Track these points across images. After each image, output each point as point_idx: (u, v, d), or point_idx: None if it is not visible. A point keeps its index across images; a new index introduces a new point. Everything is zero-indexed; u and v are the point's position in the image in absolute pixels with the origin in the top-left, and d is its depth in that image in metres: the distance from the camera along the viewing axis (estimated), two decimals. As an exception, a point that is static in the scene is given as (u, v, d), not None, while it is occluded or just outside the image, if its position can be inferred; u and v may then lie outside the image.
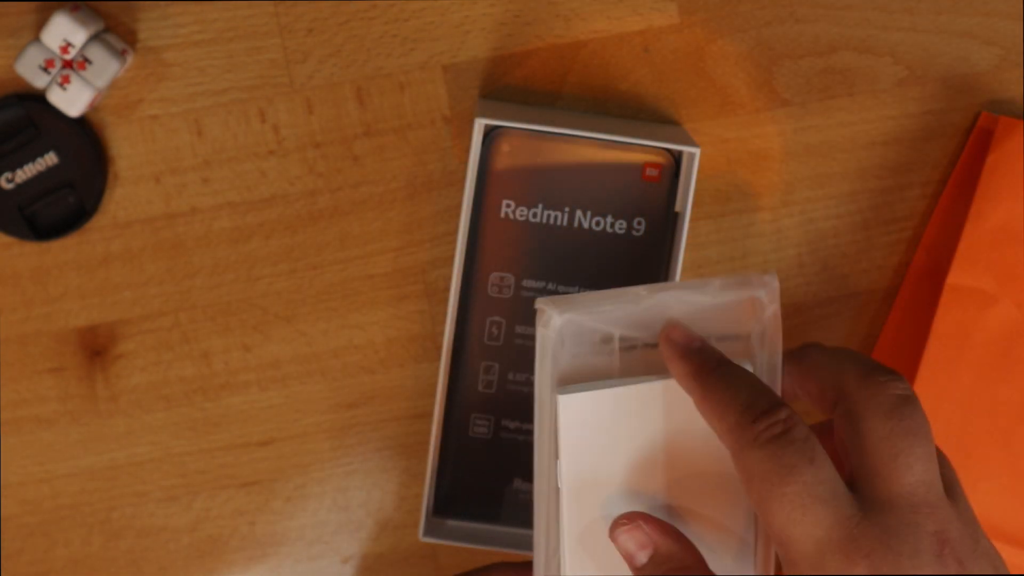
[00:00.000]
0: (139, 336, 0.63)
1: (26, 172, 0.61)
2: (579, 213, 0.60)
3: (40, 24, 0.60)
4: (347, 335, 0.64)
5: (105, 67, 0.59)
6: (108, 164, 0.62)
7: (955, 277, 0.62)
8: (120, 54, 0.60)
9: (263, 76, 0.62)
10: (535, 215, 0.60)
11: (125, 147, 0.62)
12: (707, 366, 0.47)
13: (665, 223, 0.60)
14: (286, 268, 0.63)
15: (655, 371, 0.49)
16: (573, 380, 0.49)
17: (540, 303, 0.49)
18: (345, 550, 0.65)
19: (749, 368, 0.48)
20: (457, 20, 0.62)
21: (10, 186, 0.61)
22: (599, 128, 0.59)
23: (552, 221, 0.61)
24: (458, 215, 0.62)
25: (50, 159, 0.61)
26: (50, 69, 0.59)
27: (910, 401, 0.46)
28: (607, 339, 0.49)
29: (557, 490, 0.49)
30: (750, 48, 0.63)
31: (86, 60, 0.59)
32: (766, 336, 0.49)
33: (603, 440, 0.48)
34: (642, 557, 0.48)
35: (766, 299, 0.49)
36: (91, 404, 0.64)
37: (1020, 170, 0.61)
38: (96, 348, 0.63)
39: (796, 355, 0.50)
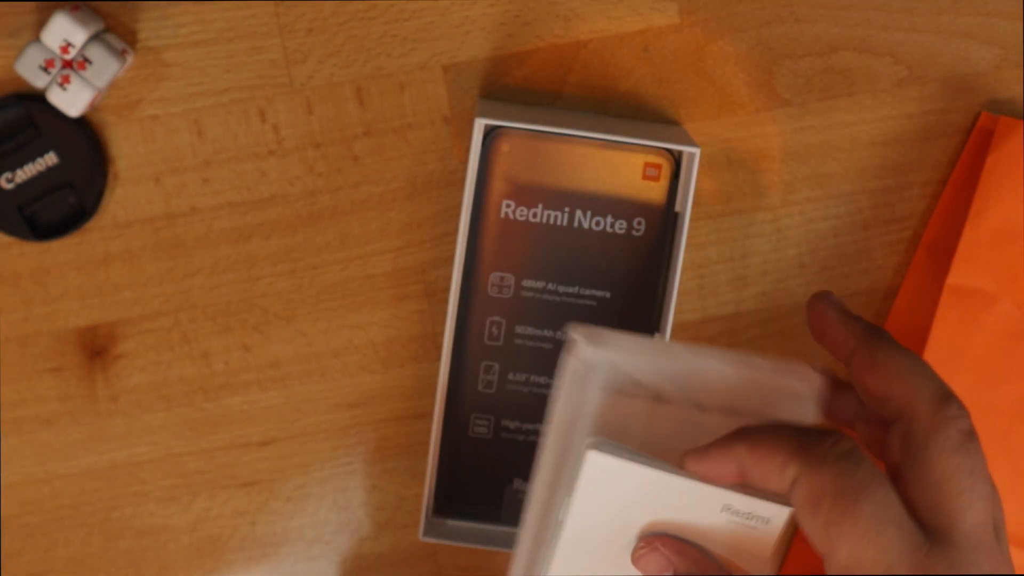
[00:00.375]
0: (139, 336, 0.63)
1: (26, 172, 0.61)
2: (579, 213, 0.60)
3: (40, 24, 0.60)
4: (347, 335, 0.64)
5: (105, 67, 0.59)
6: (108, 164, 0.62)
7: (955, 277, 0.62)
8: (120, 54, 0.60)
9: (263, 76, 0.62)
10: (535, 215, 0.60)
11: (125, 147, 0.62)
12: (747, 428, 0.47)
13: (665, 223, 0.60)
14: (286, 268, 0.63)
15: (681, 432, 0.48)
16: (599, 417, 0.48)
17: (573, 331, 0.48)
18: (345, 550, 0.65)
19: None
20: (457, 20, 0.62)
21: (10, 186, 0.61)
22: (599, 128, 0.59)
23: (552, 221, 0.60)
24: (458, 215, 0.62)
25: (50, 159, 0.61)
26: (50, 69, 0.59)
27: (974, 438, 0.46)
28: (638, 384, 0.49)
29: (557, 520, 0.49)
30: (750, 48, 0.63)
31: (86, 60, 0.59)
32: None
33: (618, 506, 0.48)
34: None
35: (808, 395, 0.48)
36: (91, 404, 0.64)
37: (1020, 170, 0.61)
38: (96, 348, 0.63)
39: (869, 344, 0.49)
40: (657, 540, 0.48)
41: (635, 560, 0.48)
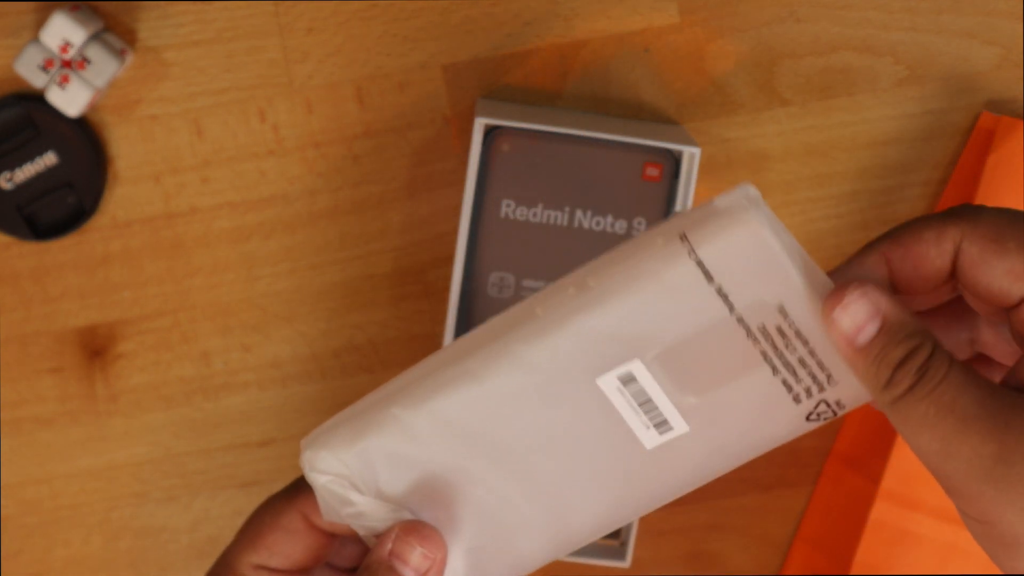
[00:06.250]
0: (139, 336, 0.63)
1: (25, 172, 0.61)
2: (579, 213, 0.60)
3: (40, 24, 0.60)
4: (347, 335, 0.64)
5: (104, 67, 0.59)
6: (107, 164, 0.62)
7: (955, 277, 0.62)
8: (119, 54, 0.60)
9: (263, 76, 0.62)
10: (535, 215, 0.60)
11: (125, 147, 0.62)
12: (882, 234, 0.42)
13: (665, 223, 0.60)
14: (286, 268, 0.63)
15: None
16: None
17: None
18: (345, 550, 0.65)
19: None
20: (457, 20, 0.62)
21: (10, 186, 0.61)
22: (599, 128, 0.59)
23: (552, 221, 0.60)
24: (458, 215, 0.62)
25: (49, 159, 0.61)
26: (49, 69, 0.59)
27: None
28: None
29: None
30: (750, 48, 0.63)
31: (85, 60, 0.59)
32: None
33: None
34: (871, 329, 0.40)
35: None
36: (91, 404, 0.64)
37: (1020, 170, 0.61)
38: (96, 348, 0.63)
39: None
40: (867, 282, 0.40)
41: (839, 311, 0.40)
